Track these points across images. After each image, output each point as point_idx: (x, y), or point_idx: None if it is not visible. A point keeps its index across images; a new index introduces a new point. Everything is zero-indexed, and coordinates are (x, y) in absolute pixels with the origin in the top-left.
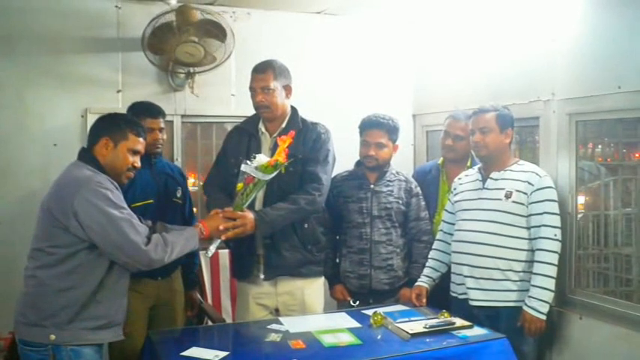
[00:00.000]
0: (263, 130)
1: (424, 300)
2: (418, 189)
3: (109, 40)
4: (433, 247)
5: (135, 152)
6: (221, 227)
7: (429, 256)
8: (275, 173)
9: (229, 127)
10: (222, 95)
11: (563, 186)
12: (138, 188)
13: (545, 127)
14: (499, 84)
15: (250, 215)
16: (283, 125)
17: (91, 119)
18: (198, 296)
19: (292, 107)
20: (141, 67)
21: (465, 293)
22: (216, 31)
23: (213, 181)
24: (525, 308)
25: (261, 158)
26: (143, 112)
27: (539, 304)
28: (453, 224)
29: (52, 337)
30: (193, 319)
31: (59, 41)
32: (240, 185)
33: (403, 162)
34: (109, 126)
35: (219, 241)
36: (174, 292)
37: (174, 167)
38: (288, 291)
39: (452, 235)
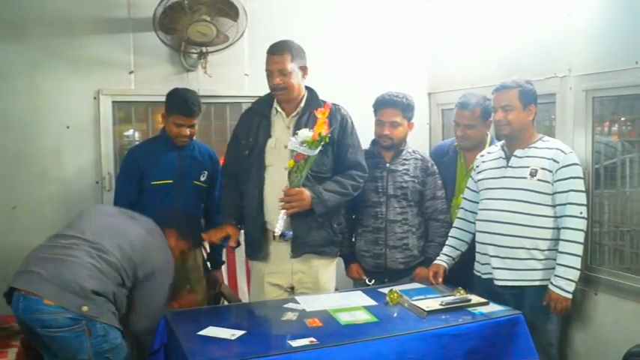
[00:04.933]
0: (279, 109)
1: (440, 279)
2: (435, 167)
3: (120, 21)
4: (454, 225)
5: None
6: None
7: (449, 235)
8: (321, 146)
9: (244, 108)
10: (235, 75)
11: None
12: (161, 167)
13: (561, 103)
14: (514, 60)
15: (307, 192)
16: (302, 105)
17: (104, 101)
18: (222, 277)
19: (308, 88)
20: (153, 47)
21: (490, 273)
22: (228, 9)
23: (227, 169)
24: (551, 287)
25: (305, 133)
26: (176, 108)
27: (565, 282)
28: (475, 202)
29: (85, 308)
30: (212, 299)
31: (70, 23)
32: (291, 162)
33: (419, 140)
34: None
35: (285, 217)
36: (189, 268)
37: (205, 151)
38: (304, 269)
39: (473, 213)
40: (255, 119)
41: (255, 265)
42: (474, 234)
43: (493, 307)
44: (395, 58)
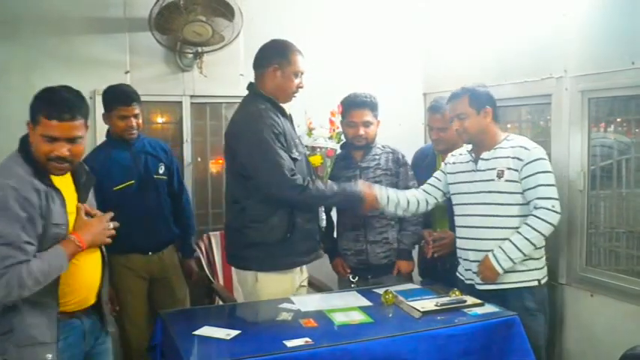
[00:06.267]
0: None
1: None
2: (406, 159)
3: (115, 21)
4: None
5: (52, 139)
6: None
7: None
8: None
9: None
10: (230, 75)
11: (575, 164)
12: (117, 172)
13: (557, 104)
14: (510, 61)
15: None
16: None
17: (100, 101)
18: (194, 266)
19: None
20: (149, 47)
21: (472, 279)
22: (223, 9)
23: (296, 172)
24: (489, 254)
25: (322, 131)
26: (114, 100)
27: (503, 257)
28: (434, 187)
29: None
30: (193, 289)
31: (66, 23)
32: (318, 158)
33: (414, 141)
34: (30, 108)
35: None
36: (166, 267)
37: (155, 144)
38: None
39: (427, 193)
40: (280, 120)
41: (283, 277)
42: (418, 207)
43: (488, 309)
44: (390, 58)
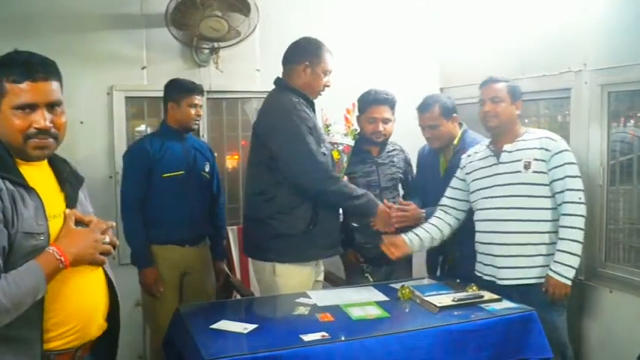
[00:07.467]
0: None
1: (396, 252)
2: (409, 156)
3: (132, 17)
4: (434, 214)
5: (27, 107)
6: None
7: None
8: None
9: (255, 103)
10: (247, 70)
11: (594, 159)
12: (170, 159)
13: (576, 98)
14: (528, 54)
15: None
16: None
17: (117, 97)
18: (226, 268)
19: None
20: (165, 43)
21: (492, 275)
22: (239, 5)
23: (327, 164)
24: (550, 273)
25: (338, 127)
26: (188, 89)
27: (564, 268)
28: (456, 199)
29: None
30: (219, 289)
31: (83, 19)
32: (337, 154)
33: None
34: None
35: None
36: (202, 261)
37: (202, 143)
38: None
39: (452, 208)
40: (311, 114)
41: (303, 269)
42: (450, 227)
43: (506, 304)
44: (406, 52)
